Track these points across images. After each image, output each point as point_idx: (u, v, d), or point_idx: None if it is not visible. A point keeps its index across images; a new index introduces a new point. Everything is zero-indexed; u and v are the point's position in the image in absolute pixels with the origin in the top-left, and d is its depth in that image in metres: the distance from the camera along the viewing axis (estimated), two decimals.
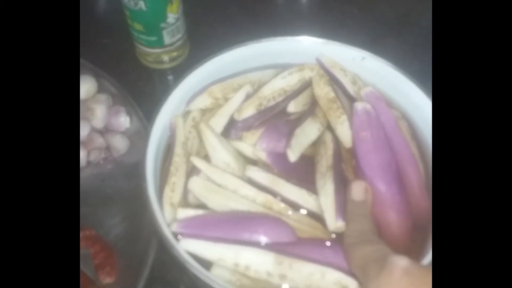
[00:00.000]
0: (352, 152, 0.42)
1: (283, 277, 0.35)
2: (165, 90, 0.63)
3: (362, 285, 0.32)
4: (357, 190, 0.38)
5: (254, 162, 0.43)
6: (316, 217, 0.40)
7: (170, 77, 0.64)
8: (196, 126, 0.45)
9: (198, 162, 0.41)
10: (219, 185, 0.41)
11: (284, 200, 0.40)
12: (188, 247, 0.36)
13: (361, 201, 0.37)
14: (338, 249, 0.37)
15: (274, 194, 0.40)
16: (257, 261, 0.36)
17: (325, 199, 0.39)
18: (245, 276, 0.37)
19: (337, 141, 0.43)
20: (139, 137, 0.54)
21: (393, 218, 0.38)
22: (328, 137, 0.43)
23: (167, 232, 0.37)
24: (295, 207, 0.40)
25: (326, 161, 0.41)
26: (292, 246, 0.37)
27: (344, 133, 0.42)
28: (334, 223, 0.37)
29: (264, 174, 0.41)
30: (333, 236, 0.38)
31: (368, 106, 0.42)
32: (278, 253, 0.36)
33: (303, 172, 0.42)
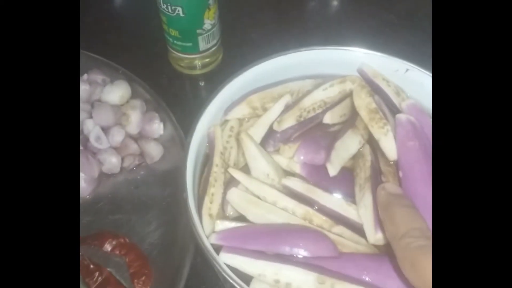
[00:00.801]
0: (397, 163, 0.40)
1: None
2: (197, 97, 0.64)
3: None
4: (391, 186, 0.36)
5: (292, 175, 0.42)
6: (358, 230, 0.39)
7: (202, 83, 0.64)
8: (234, 136, 0.44)
9: (236, 174, 0.41)
10: (257, 197, 0.40)
11: (322, 210, 0.39)
12: (228, 261, 0.36)
13: (400, 194, 0.35)
14: (381, 266, 0.36)
15: (311, 203, 0.40)
16: (299, 279, 0.35)
17: (364, 211, 0.38)
18: None
19: (375, 153, 0.42)
20: (173, 144, 0.54)
21: None
22: (367, 150, 0.42)
23: (208, 244, 0.36)
24: (335, 218, 0.39)
25: (365, 172, 0.40)
26: (333, 261, 0.37)
27: (389, 144, 0.41)
28: (374, 234, 0.36)
29: (301, 183, 0.40)
30: (377, 251, 0.38)
31: (412, 118, 0.41)
32: (321, 273, 0.35)
33: (340, 185, 0.41)
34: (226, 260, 0.36)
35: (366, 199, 0.38)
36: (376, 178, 0.40)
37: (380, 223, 0.36)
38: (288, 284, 0.35)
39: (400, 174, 0.39)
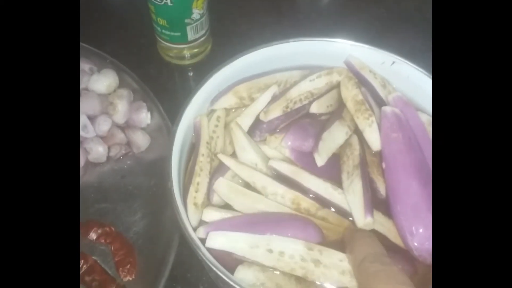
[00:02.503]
0: (381, 154, 0.41)
1: (317, 262, 0.35)
2: (186, 87, 0.64)
3: None
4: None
5: None
6: (341, 213, 0.39)
7: (191, 74, 0.64)
8: (221, 126, 0.44)
9: (226, 160, 0.41)
10: (245, 183, 0.41)
11: (307, 193, 0.40)
12: (219, 239, 0.36)
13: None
14: None
15: (297, 186, 0.40)
16: (290, 247, 0.36)
17: (353, 197, 0.39)
18: (270, 279, 0.36)
19: (362, 143, 0.42)
20: (160, 134, 0.54)
21: (430, 219, 0.37)
22: (355, 139, 0.42)
23: (192, 233, 0.36)
24: (322, 203, 0.40)
25: (353, 160, 0.40)
26: None
27: (373, 135, 0.41)
28: (363, 219, 0.37)
29: (287, 165, 0.41)
30: None
31: (397, 110, 0.42)
32: (307, 241, 0.36)
33: (327, 170, 0.41)
34: (215, 239, 0.36)
35: (355, 185, 0.39)
36: (364, 167, 0.40)
37: (370, 208, 0.37)
38: (281, 253, 0.36)
39: (383, 165, 0.40)
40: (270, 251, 0.36)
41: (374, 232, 0.38)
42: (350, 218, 0.39)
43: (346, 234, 0.37)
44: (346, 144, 0.42)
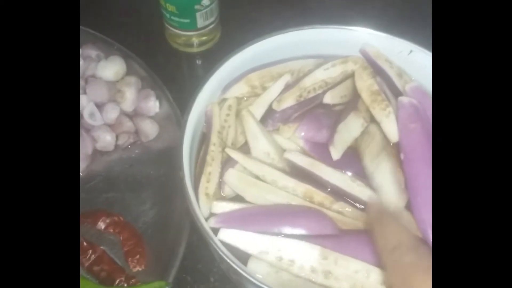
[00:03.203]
0: (399, 145, 0.40)
1: (327, 274, 0.34)
2: (194, 75, 0.62)
3: None
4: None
5: None
6: (361, 205, 0.39)
7: (199, 62, 0.62)
8: (232, 115, 0.43)
9: (233, 154, 0.40)
10: (256, 177, 0.40)
11: (324, 186, 0.39)
12: (229, 239, 0.35)
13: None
14: None
15: (314, 178, 0.39)
16: (302, 254, 0.35)
17: (382, 178, 0.38)
18: (286, 270, 0.36)
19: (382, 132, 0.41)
20: (168, 123, 0.53)
21: None
22: (373, 127, 0.41)
23: (204, 223, 0.36)
24: (335, 194, 0.39)
25: (377, 145, 0.39)
26: (334, 238, 0.36)
27: (390, 126, 0.40)
28: (398, 198, 0.37)
29: (304, 157, 0.40)
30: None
31: (414, 101, 0.41)
32: (324, 248, 0.35)
33: (342, 162, 0.40)
34: (226, 237, 0.35)
35: (383, 167, 0.38)
36: (390, 153, 0.40)
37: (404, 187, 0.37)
38: (291, 262, 0.35)
39: (402, 156, 0.39)
40: (280, 258, 0.35)
41: None
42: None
43: (372, 214, 0.35)
44: (364, 133, 0.42)
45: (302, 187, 0.39)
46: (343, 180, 0.39)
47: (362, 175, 0.40)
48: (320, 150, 0.41)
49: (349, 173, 0.40)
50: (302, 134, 0.41)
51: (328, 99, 0.43)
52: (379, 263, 0.35)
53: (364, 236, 0.37)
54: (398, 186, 0.37)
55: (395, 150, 0.40)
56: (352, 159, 0.41)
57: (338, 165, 0.40)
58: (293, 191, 0.39)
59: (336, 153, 0.39)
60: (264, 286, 0.33)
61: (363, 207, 0.39)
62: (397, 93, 0.43)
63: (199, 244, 0.45)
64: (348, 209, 0.38)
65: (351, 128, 0.41)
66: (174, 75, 0.60)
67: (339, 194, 0.39)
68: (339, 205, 0.38)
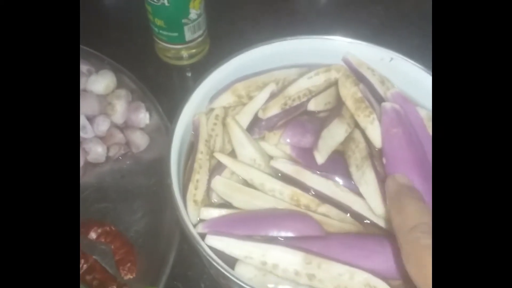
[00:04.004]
0: (382, 150, 0.41)
1: (311, 277, 0.35)
2: (184, 87, 0.64)
3: None
4: (401, 176, 0.35)
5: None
6: (345, 210, 0.40)
7: (189, 74, 0.64)
8: (219, 124, 0.44)
9: (222, 158, 0.41)
10: (244, 180, 0.41)
11: (310, 192, 0.40)
12: (215, 244, 0.36)
13: (410, 185, 0.34)
14: (366, 242, 0.37)
15: (299, 185, 0.40)
16: (286, 260, 0.35)
17: (366, 187, 0.39)
18: (271, 273, 0.36)
19: (367, 138, 0.42)
20: (159, 134, 0.54)
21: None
22: (358, 134, 0.42)
23: (191, 229, 0.36)
24: (323, 199, 0.40)
25: (360, 153, 0.40)
26: (319, 241, 0.37)
27: (375, 132, 0.41)
28: (382, 207, 0.37)
29: (289, 165, 0.41)
30: (361, 228, 0.39)
31: (396, 106, 0.42)
32: (307, 253, 0.35)
33: (330, 166, 0.41)
34: (212, 243, 0.36)
35: (367, 176, 0.39)
36: (372, 158, 0.41)
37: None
38: (275, 265, 0.36)
39: (384, 160, 0.40)
40: (264, 263, 0.36)
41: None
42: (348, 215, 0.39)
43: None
44: (349, 139, 0.43)
45: (289, 190, 0.39)
46: (327, 186, 0.40)
47: (350, 179, 0.41)
48: (306, 156, 0.42)
49: (336, 178, 0.41)
50: (288, 140, 0.42)
51: (312, 106, 0.44)
52: (367, 267, 0.35)
53: (348, 237, 0.37)
54: (382, 197, 0.38)
55: (380, 157, 0.41)
56: (339, 164, 0.42)
57: (325, 170, 0.41)
58: (280, 194, 0.40)
59: (320, 157, 0.40)
60: None
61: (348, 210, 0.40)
62: (380, 99, 0.44)
63: (189, 252, 0.46)
64: (333, 212, 0.39)
65: (334, 133, 0.42)
66: (164, 87, 0.61)
67: (326, 199, 0.40)
68: (325, 208, 0.39)
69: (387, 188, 0.35)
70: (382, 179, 0.39)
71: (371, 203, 0.38)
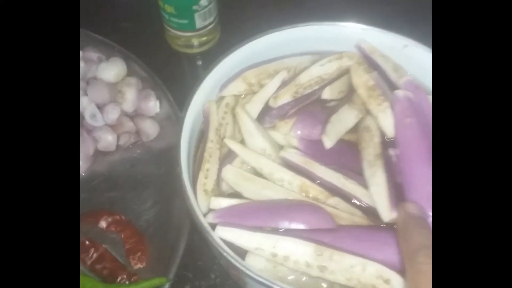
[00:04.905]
0: (394, 141, 0.40)
1: (322, 268, 0.34)
2: (195, 76, 0.63)
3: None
4: (411, 206, 0.35)
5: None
6: (354, 203, 0.39)
7: (200, 62, 0.63)
8: (230, 112, 0.44)
9: (233, 145, 0.41)
10: (254, 169, 0.40)
11: (321, 184, 0.39)
12: (225, 235, 0.36)
13: (418, 215, 0.35)
14: (376, 234, 0.37)
15: (309, 176, 0.39)
16: (297, 251, 0.35)
17: (377, 189, 0.38)
18: (282, 265, 0.36)
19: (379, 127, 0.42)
20: (169, 123, 0.53)
21: None
22: (373, 124, 0.41)
23: (202, 219, 0.36)
24: (332, 191, 0.39)
25: (374, 149, 0.39)
26: (329, 233, 0.36)
27: (387, 121, 0.41)
28: (389, 214, 0.36)
29: (299, 156, 0.40)
30: (371, 221, 0.38)
31: (409, 94, 0.41)
32: (319, 244, 0.35)
33: (339, 159, 0.41)
34: (222, 234, 0.36)
35: (378, 178, 0.38)
36: (386, 154, 0.40)
37: (395, 202, 0.36)
38: (286, 257, 0.35)
39: (397, 151, 0.39)
40: (275, 255, 0.35)
41: None
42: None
43: (399, 217, 0.35)
44: (364, 128, 0.42)
45: (298, 180, 0.39)
46: (337, 178, 0.39)
47: (359, 173, 0.40)
48: (315, 148, 0.41)
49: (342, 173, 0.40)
50: (299, 132, 0.41)
51: (326, 94, 0.44)
52: (378, 259, 0.35)
53: (358, 230, 0.37)
54: (390, 201, 0.37)
55: (392, 147, 0.40)
56: (350, 156, 0.41)
57: (335, 161, 0.40)
58: (289, 184, 0.39)
59: (328, 141, 0.39)
60: (262, 280, 0.33)
61: (358, 203, 0.39)
62: (393, 87, 0.43)
63: (199, 242, 0.46)
64: (343, 204, 0.39)
65: (344, 118, 0.41)
66: (175, 75, 0.60)
67: (335, 191, 0.39)
68: (334, 200, 0.39)
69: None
70: (393, 178, 0.38)
71: (378, 208, 0.37)
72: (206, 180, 0.40)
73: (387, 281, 0.34)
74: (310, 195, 0.39)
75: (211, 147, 0.41)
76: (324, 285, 0.35)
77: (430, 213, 0.35)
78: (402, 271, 0.34)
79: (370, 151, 0.40)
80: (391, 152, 0.40)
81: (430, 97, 0.42)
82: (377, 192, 0.38)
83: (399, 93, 0.41)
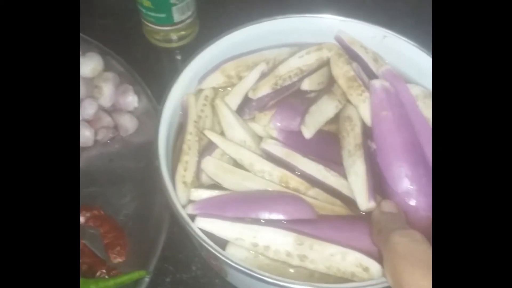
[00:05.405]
0: (371, 134, 0.40)
1: (303, 258, 0.34)
2: (174, 70, 0.62)
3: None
4: (389, 205, 0.36)
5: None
6: (334, 194, 0.39)
7: (179, 57, 0.63)
8: (209, 105, 0.44)
9: (213, 136, 0.41)
10: (234, 160, 0.40)
11: (301, 175, 0.39)
12: (205, 226, 0.35)
13: (396, 213, 0.35)
14: (355, 224, 0.37)
15: (290, 168, 0.39)
16: (277, 241, 0.35)
17: (355, 179, 0.38)
18: (262, 255, 0.36)
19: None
20: (147, 117, 0.53)
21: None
22: (354, 113, 0.42)
23: (181, 210, 0.36)
24: (312, 182, 0.39)
25: (354, 138, 0.40)
26: (310, 224, 0.36)
27: (367, 111, 0.41)
28: (367, 203, 0.37)
29: (280, 148, 0.40)
30: (351, 212, 0.38)
31: (386, 84, 0.41)
32: (299, 234, 0.35)
33: (319, 149, 0.41)
34: (202, 225, 0.36)
35: (358, 167, 0.38)
36: (366, 144, 0.40)
37: (373, 192, 0.37)
38: (266, 247, 0.35)
39: (374, 145, 0.39)
40: (255, 244, 0.35)
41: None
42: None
43: (373, 218, 0.35)
44: (345, 117, 0.42)
45: (278, 172, 0.39)
46: (318, 170, 0.39)
47: (340, 163, 0.40)
48: (295, 139, 0.41)
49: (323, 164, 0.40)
50: (278, 124, 0.41)
51: (306, 85, 0.44)
52: (358, 248, 0.35)
53: (338, 220, 0.37)
54: (368, 191, 0.37)
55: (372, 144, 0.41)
56: (331, 147, 0.41)
57: (315, 153, 0.40)
58: (269, 176, 0.39)
59: (307, 132, 0.39)
60: (243, 268, 0.33)
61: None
62: (373, 77, 0.44)
63: (180, 235, 0.45)
64: (323, 195, 0.39)
65: (324, 109, 0.41)
66: (153, 70, 0.60)
67: (315, 182, 0.39)
68: (314, 191, 0.39)
69: (372, 221, 0.35)
70: (373, 167, 0.38)
71: (356, 197, 0.38)
72: (185, 172, 0.40)
73: (366, 269, 0.34)
74: (291, 186, 0.39)
75: (190, 140, 0.41)
76: (292, 270, 0.35)
77: (412, 204, 0.36)
78: (380, 259, 0.34)
79: (351, 140, 0.40)
80: (371, 143, 0.40)
81: (410, 86, 0.42)
82: (355, 181, 0.38)
83: (376, 83, 0.41)
